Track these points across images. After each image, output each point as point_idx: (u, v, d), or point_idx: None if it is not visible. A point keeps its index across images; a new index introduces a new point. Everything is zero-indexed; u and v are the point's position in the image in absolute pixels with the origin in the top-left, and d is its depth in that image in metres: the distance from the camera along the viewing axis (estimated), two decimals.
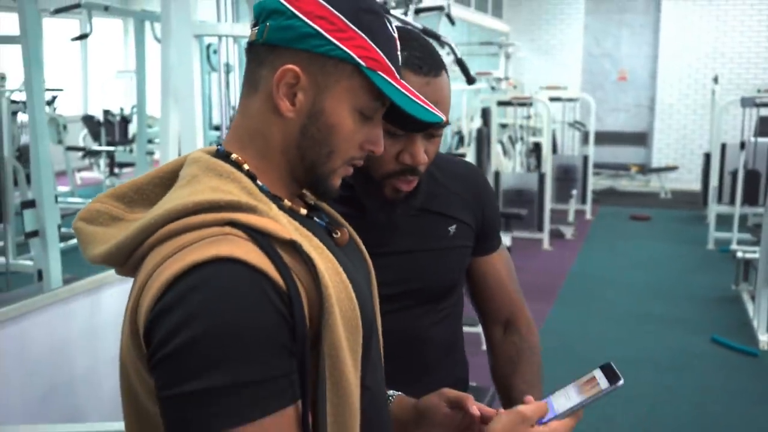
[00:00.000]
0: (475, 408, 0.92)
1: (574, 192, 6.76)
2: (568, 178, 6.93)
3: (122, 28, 9.15)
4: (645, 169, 8.93)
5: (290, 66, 0.75)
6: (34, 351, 2.07)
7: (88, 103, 8.43)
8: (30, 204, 2.42)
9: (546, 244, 5.92)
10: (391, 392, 1.03)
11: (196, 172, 0.76)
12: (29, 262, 3.36)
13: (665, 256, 5.76)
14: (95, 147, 7.28)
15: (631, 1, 9.30)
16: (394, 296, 1.09)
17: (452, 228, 1.17)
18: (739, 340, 3.78)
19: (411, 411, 0.98)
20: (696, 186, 8.37)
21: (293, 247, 0.71)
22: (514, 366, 1.18)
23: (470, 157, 5.54)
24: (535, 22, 9.61)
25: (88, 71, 8.42)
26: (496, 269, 1.25)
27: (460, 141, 6.69)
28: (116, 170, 7.11)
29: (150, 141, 6.08)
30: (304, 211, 0.83)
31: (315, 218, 0.85)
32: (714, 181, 6.13)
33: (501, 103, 6.23)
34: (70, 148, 6.80)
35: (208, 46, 5.46)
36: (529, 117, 6.85)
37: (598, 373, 0.87)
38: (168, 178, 0.82)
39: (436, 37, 3.20)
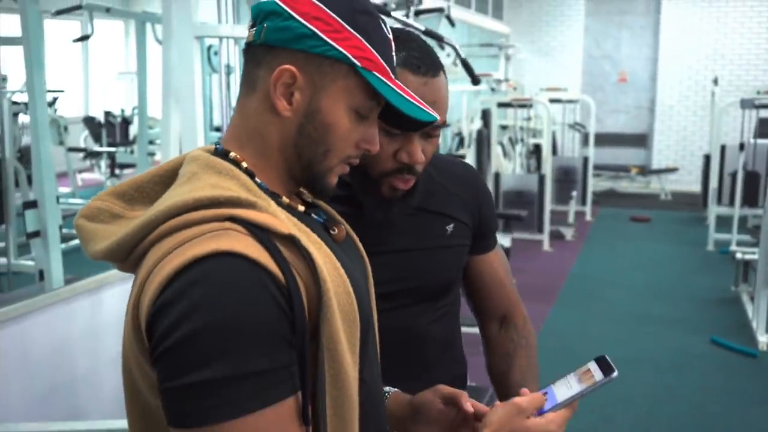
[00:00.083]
0: (469, 405, 0.93)
1: (574, 193, 6.77)
2: (568, 179, 6.94)
3: (123, 30, 9.16)
4: (645, 170, 8.93)
5: (287, 66, 0.77)
6: (35, 350, 2.08)
7: (89, 105, 8.44)
8: (32, 204, 2.44)
9: (546, 246, 5.93)
10: (387, 389, 1.04)
11: (196, 169, 0.78)
12: (30, 263, 3.38)
13: (665, 257, 5.76)
14: (96, 148, 7.30)
15: (631, 2, 9.31)
16: (391, 294, 1.10)
17: (450, 227, 1.18)
18: (739, 340, 3.79)
19: (406, 407, 1.00)
20: (696, 187, 8.38)
21: (292, 241, 0.72)
22: (511, 360, 1.20)
23: (470, 159, 5.55)
24: (535, 24, 9.62)
25: (89, 73, 8.43)
26: (493, 267, 1.26)
27: (461, 142, 6.70)
28: (117, 171, 7.12)
29: (151, 142, 6.10)
30: (302, 208, 0.84)
31: (313, 215, 0.87)
32: (714, 183, 6.14)
33: (501, 105, 6.24)
34: (71, 149, 6.82)
35: (209, 48, 5.47)
36: (529, 118, 6.86)
37: (593, 366, 0.88)
38: (168, 177, 0.83)
39: (439, 38, 3.21)
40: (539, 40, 9.61)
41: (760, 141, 5.86)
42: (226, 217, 0.71)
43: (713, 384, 3.33)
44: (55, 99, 6.48)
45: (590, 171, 7.09)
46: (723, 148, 6.12)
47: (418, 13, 3.70)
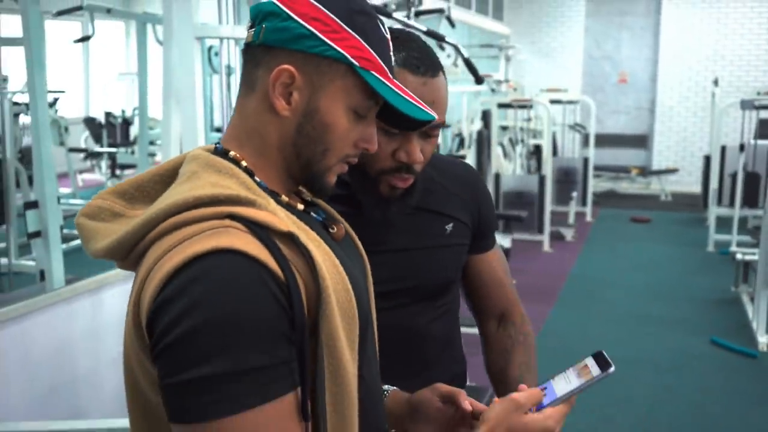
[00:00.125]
0: (467, 403, 0.93)
1: (575, 194, 6.77)
2: (568, 180, 6.94)
3: (124, 31, 9.17)
4: (645, 171, 8.93)
5: (286, 66, 0.78)
6: (36, 350, 2.08)
7: (90, 105, 8.45)
8: (33, 205, 2.44)
9: (546, 246, 5.93)
10: (386, 387, 1.05)
11: (196, 168, 0.78)
12: (31, 263, 3.38)
13: (665, 258, 5.76)
14: (97, 149, 7.30)
15: (631, 3, 9.32)
16: (390, 293, 1.10)
17: (449, 226, 1.18)
18: (739, 341, 3.79)
19: (405, 405, 1.00)
20: (696, 188, 8.38)
21: (291, 239, 0.73)
22: (509, 356, 1.20)
23: (470, 159, 5.55)
24: (535, 25, 9.63)
25: (90, 73, 8.44)
26: (491, 267, 1.27)
27: (461, 143, 6.70)
28: (118, 172, 7.12)
29: (152, 143, 6.10)
30: (301, 207, 0.85)
31: (312, 213, 0.87)
32: (714, 184, 6.15)
33: (501, 106, 6.24)
34: (72, 150, 6.82)
35: (210, 49, 5.48)
36: (529, 119, 6.86)
37: (590, 361, 0.89)
38: (168, 176, 0.84)
39: (441, 38, 3.22)
40: (539, 41, 9.62)
41: (760, 142, 5.86)
42: (225, 215, 0.72)
43: (713, 384, 3.33)
44: (55, 100, 6.48)
45: (590, 172, 7.09)
46: (723, 149, 6.12)
47: (418, 14, 3.70)
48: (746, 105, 5.27)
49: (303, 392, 0.70)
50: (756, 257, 4.10)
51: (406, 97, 0.83)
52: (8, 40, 2.92)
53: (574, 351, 3.81)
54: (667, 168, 8.91)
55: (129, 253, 0.77)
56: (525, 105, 6.22)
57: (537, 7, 9.59)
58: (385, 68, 0.82)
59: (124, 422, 0.81)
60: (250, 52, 0.81)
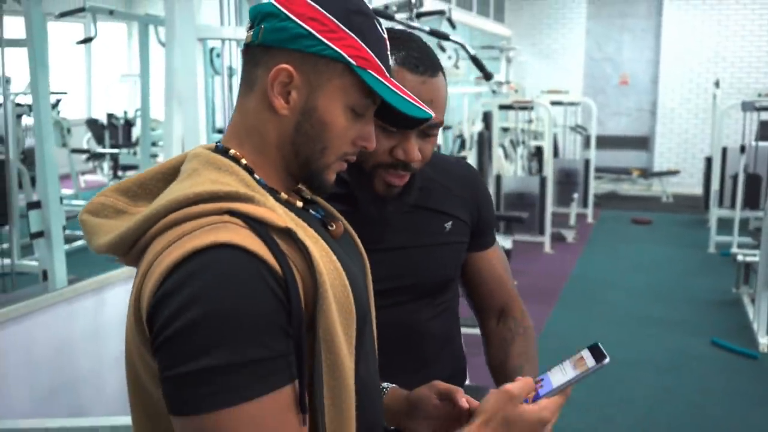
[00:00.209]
0: (464, 400, 0.94)
1: (576, 196, 6.77)
2: (569, 181, 6.95)
3: (126, 32, 9.19)
4: (646, 173, 8.93)
5: (284, 65, 0.79)
6: (38, 350, 2.09)
7: (92, 107, 8.47)
8: (35, 205, 2.45)
9: (547, 248, 5.93)
10: (385, 384, 1.06)
11: (197, 166, 0.80)
12: (34, 263, 3.39)
13: (666, 259, 5.77)
14: (99, 150, 7.32)
15: (632, 5, 9.32)
16: (388, 291, 1.11)
17: (448, 225, 1.19)
18: (739, 342, 3.80)
19: (403, 402, 1.01)
20: (698, 190, 8.38)
21: (289, 234, 0.74)
22: (508, 347, 1.20)
23: (471, 161, 5.56)
24: (536, 27, 9.64)
25: (93, 75, 8.46)
26: (491, 265, 1.27)
27: (462, 144, 6.71)
28: (120, 173, 7.13)
29: (154, 144, 6.11)
30: (300, 204, 0.86)
31: (311, 211, 0.88)
32: (715, 185, 6.14)
33: (502, 107, 6.25)
34: (74, 151, 6.83)
35: (212, 50, 5.49)
36: (530, 121, 6.87)
37: (586, 353, 0.90)
38: (170, 174, 0.85)
39: (445, 37, 3.23)
40: (540, 43, 9.62)
41: (761, 143, 5.85)
42: (224, 211, 0.73)
43: (713, 385, 3.33)
44: (58, 101, 6.49)
45: (592, 173, 7.09)
46: (724, 151, 6.12)
47: (419, 16, 3.71)
48: (747, 107, 5.27)
49: (301, 385, 0.71)
50: (757, 259, 4.10)
51: (404, 95, 0.84)
52: (11, 41, 2.93)
53: (574, 352, 3.81)
54: (669, 170, 8.91)
55: (131, 249, 0.78)
56: (526, 106, 6.23)
57: (538, 8, 9.60)
58: (383, 67, 0.83)
59: (127, 420, 0.82)
60: (250, 52, 0.82)
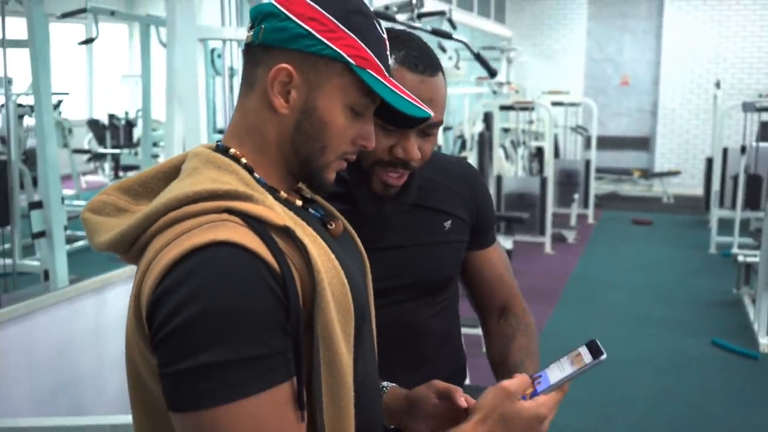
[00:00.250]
0: (463, 400, 0.94)
1: (576, 196, 6.77)
2: (570, 182, 6.95)
3: (128, 33, 9.20)
4: (647, 173, 8.93)
5: (284, 65, 0.80)
6: (40, 349, 2.10)
7: (94, 107, 8.48)
8: (37, 205, 2.46)
9: (548, 248, 5.93)
10: (385, 383, 1.06)
11: (197, 164, 0.80)
12: (35, 263, 3.40)
13: (667, 259, 5.77)
14: (100, 150, 7.33)
15: (633, 6, 9.33)
16: (387, 290, 1.12)
17: (447, 223, 1.19)
18: (740, 343, 3.80)
19: (403, 401, 1.02)
20: (699, 191, 8.37)
21: (287, 233, 0.74)
22: (509, 343, 1.20)
23: (472, 161, 5.56)
24: (537, 27, 9.64)
25: (94, 75, 8.47)
26: (492, 263, 1.28)
27: (462, 145, 6.72)
28: (121, 173, 7.14)
29: (155, 144, 6.12)
30: (299, 203, 0.87)
31: (310, 210, 0.89)
32: (716, 186, 6.14)
33: (503, 108, 6.25)
34: (76, 151, 6.84)
35: (213, 51, 5.50)
36: (531, 121, 6.87)
37: (583, 350, 0.90)
38: (171, 173, 0.86)
39: (448, 36, 3.23)
40: (541, 44, 9.63)
41: (762, 144, 5.85)
42: (223, 209, 0.74)
43: (714, 386, 3.33)
44: (59, 102, 6.50)
45: (592, 174, 7.09)
46: (725, 151, 6.12)
47: (420, 17, 3.72)
48: (748, 107, 5.27)
49: (299, 383, 0.72)
50: (757, 259, 4.10)
51: (403, 95, 0.84)
52: (14, 42, 2.94)
53: None
54: (669, 170, 8.91)
55: (131, 247, 0.79)
56: (527, 107, 6.23)
57: (539, 9, 9.61)
58: (382, 67, 0.83)
59: (127, 418, 0.82)
60: (251, 52, 0.83)
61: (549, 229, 5.91)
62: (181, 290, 0.68)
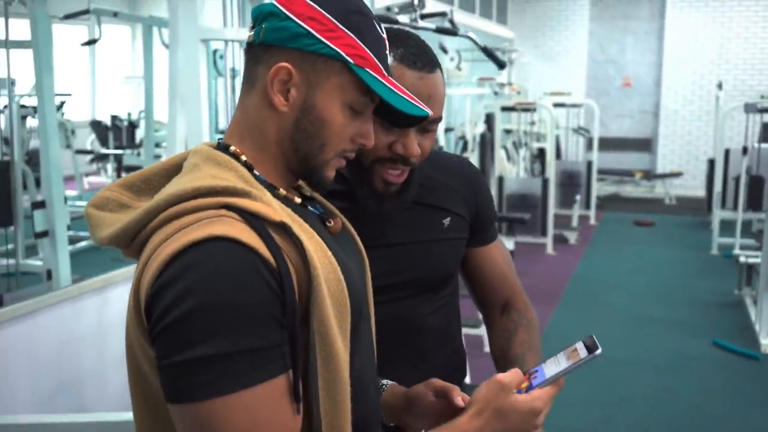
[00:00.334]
0: (460, 399, 0.96)
1: (578, 197, 6.77)
2: (572, 183, 6.95)
3: (130, 34, 9.22)
4: (649, 175, 8.93)
5: (283, 64, 0.81)
6: (42, 348, 2.11)
7: (96, 108, 8.50)
8: (40, 205, 2.47)
9: (550, 249, 5.94)
10: (384, 381, 1.07)
11: (198, 161, 0.82)
12: (38, 263, 3.42)
13: (669, 261, 5.77)
14: (103, 151, 7.35)
15: (635, 8, 9.33)
16: (387, 287, 1.12)
17: (447, 220, 1.20)
18: (741, 343, 3.80)
19: (401, 399, 1.03)
20: (701, 192, 8.37)
21: (284, 229, 0.76)
22: (511, 337, 1.20)
23: (473, 162, 5.57)
24: (539, 29, 9.65)
25: (97, 76, 8.49)
26: (494, 259, 1.28)
27: (464, 146, 6.73)
28: (123, 174, 7.15)
29: (157, 145, 6.13)
30: (298, 200, 0.88)
31: (309, 207, 0.90)
32: (718, 187, 6.14)
33: (505, 109, 6.25)
34: (78, 152, 6.86)
35: (215, 52, 5.51)
36: (533, 123, 6.87)
37: (579, 345, 0.92)
38: (173, 170, 0.88)
39: (454, 33, 3.24)
40: (543, 45, 9.63)
41: (764, 145, 5.84)
42: (221, 205, 0.75)
43: (715, 386, 3.33)
44: (62, 102, 6.52)
45: (594, 175, 7.09)
46: (727, 153, 6.12)
47: (421, 18, 3.73)
48: (750, 108, 5.27)
49: (295, 376, 0.72)
50: (759, 260, 4.10)
51: (401, 93, 0.85)
52: (17, 43, 2.95)
53: None
54: (671, 171, 8.91)
55: (132, 241, 0.80)
56: (528, 108, 6.23)
57: (541, 11, 9.61)
58: (381, 66, 0.84)
59: (129, 416, 0.83)
60: (252, 51, 0.84)
61: (551, 230, 5.92)
62: (178, 284, 0.69)
